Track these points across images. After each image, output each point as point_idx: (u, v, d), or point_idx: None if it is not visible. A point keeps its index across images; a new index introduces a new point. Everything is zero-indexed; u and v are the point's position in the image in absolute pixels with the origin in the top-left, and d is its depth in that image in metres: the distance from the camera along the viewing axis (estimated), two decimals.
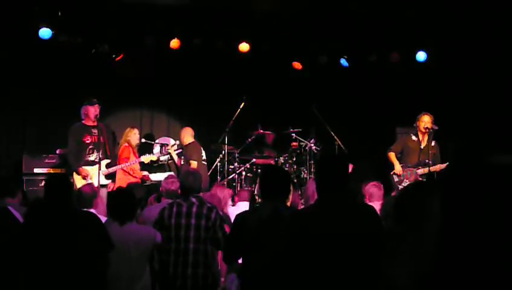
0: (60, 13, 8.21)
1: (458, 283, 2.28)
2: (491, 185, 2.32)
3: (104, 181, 7.58)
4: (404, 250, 2.74)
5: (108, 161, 7.84)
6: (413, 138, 7.92)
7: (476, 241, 2.27)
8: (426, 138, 7.84)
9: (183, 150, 8.66)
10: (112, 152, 8.01)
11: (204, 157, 8.68)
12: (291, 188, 4.83)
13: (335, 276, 3.07)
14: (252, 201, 6.75)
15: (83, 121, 7.81)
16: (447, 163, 7.39)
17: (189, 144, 8.61)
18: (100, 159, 7.52)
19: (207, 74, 9.58)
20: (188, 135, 8.68)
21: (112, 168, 7.83)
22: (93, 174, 7.52)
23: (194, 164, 8.31)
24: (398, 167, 7.84)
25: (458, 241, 2.30)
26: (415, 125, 7.91)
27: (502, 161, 2.40)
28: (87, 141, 7.69)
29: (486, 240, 2.26)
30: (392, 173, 7.87)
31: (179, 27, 8.99)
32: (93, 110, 7.75)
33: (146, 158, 8.09)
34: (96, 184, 7.25)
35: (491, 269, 2.24)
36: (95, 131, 7.75)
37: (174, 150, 8.76)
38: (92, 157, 7.66)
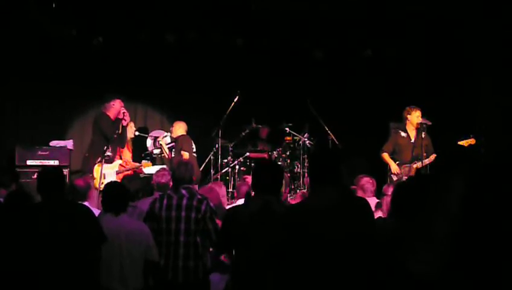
0: (54, 5, 8.18)
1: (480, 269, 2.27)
2: None
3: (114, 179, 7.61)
4: (420, 242, 2.73)
5: (121, 161, 7.89)
6: (402, 134, 7.90)
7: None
8: (415, 132, 7.85)
9: (175, 142, 8.65)
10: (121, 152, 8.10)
11: (194, 150, 8.68)
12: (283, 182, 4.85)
13: (331, 271, 3.08)
14: (247, 196, 6.67)
15: (108, 113, 7.91)
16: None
17: (181, 136, 8.60)
18: (111, 157, 7.63)
19: (201, 68, 9.56)
20: (180, 128, 8.67)
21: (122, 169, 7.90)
22: (110, 173, 7.56)
23: (186, 154, 8.29)
24: (394, 167, 7.81)
25: (483, 233, 2.28)
26: (405, 120, 7.90)
27: None
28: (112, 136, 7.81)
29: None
30: (390, 173, 7.86)
31: (174, 20, 8.98)
32: (121, 107, 7.95)
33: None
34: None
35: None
36: (116, 127, 7.87)
37: (166, 143, 8.75)
38: (108, 153, 7.73)
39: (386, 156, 7.92)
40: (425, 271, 2.61)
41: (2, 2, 8.09)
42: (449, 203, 2.48)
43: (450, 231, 2.41)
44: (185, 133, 8.64)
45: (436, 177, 2.75)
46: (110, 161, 7.72)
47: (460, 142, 7.34)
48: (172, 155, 8.60)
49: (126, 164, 8.12)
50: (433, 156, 7.56)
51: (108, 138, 7.72)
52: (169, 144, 8.80)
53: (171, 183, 5.15)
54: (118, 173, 7.81)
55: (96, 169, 7.59)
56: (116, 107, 7.93)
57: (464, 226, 2.35)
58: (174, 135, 8.67)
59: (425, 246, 2.62)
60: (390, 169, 7.84)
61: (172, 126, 8.77)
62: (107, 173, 7.58)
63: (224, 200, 5.71)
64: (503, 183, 2.31)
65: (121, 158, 8.04)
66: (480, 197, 2.34)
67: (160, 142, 8.78)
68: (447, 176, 2.67)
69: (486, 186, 2.35)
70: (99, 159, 7.59)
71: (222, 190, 5.87)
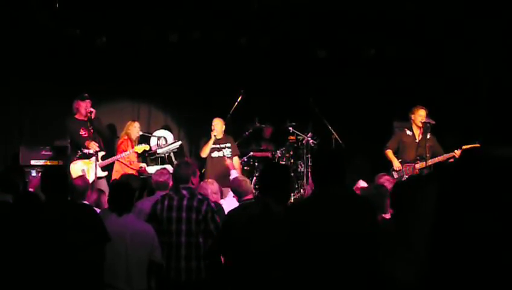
0: (57, 5, 8.19)
1: (457, 279, 2.26)
2: (492, 179, 2.28)
3: (100, 173, 7.62)
4: (402, 247, 2.72)
5: (103, 153, 7.87)
6: (408, 132, 7.92)
7: (472, 238, 2.24)
8: (420, 131, 7.84)
9: (229, 144, 8.42)
10: (105, 145, 8.05)
11: None
12: None
13: (332, 271, 3.08)
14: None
15: (76, 116, 7.88)
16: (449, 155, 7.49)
17: (230, 137, 8.47)
18: (96, 152, 7.57)
19: (205, 67, 9.56)
20: (223, 127, 8.44)
21: (107, 160, 7.87)
22: (90, 167, 7.55)
23: (238, 162, 8.30)
24: (396, 163, 7.82)
25: (454, 238, 2.27)
26: (410, 119, 7.90)
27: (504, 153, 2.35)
28: (84, 135, 7.74)
29: (484, 236, 2.23)
30: (391, 170, 7.86)
31: (177, 20, 8.98)
32: (84, 106, 7.82)
33: (139, 148, 8.08)
34: (93, 177, 7.30)
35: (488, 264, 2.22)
36: (89, 124, 7.77)
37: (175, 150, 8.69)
38: (88, 150, 7.70)
39: (389, 152, 7.93)
40: (408, 278, 2.60)
41: (6, 2, 8.10)
42: (425, 208, 2.48)
43: (427, 237, 2.40)
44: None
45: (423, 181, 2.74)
46: (91, 156, 7.70)
47: (465, 147, 7.32)
48: (227, 156, 8.30)
49: (130, 164, 8.11)
50: (437, 159, 7.58)
51: (72, 141, 7.80)
52: (171, 143, 8.75)
53: (171, 182, 5.14)
54: (103, 164, 7.80)
55: (71, 167, 7.61)
56: (81, 109, 7.82)
57: (437, 232, 2.33)
58: (220, 135, 8.42)
59: (407, 252, 2.62)
60: (392, 165, 7.85)
61: (215, 123, 8.42)
62: (91, 168, 7.57)
63: (216, 197, 5.68)
64: (471, 185, 2.28)
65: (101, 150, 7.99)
66: (448, 201, 2.32)
67: (171, 147, 8.69)
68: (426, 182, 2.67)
69: (454, 190, 2.32)
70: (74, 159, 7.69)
71: (214, 187, 5.83)
